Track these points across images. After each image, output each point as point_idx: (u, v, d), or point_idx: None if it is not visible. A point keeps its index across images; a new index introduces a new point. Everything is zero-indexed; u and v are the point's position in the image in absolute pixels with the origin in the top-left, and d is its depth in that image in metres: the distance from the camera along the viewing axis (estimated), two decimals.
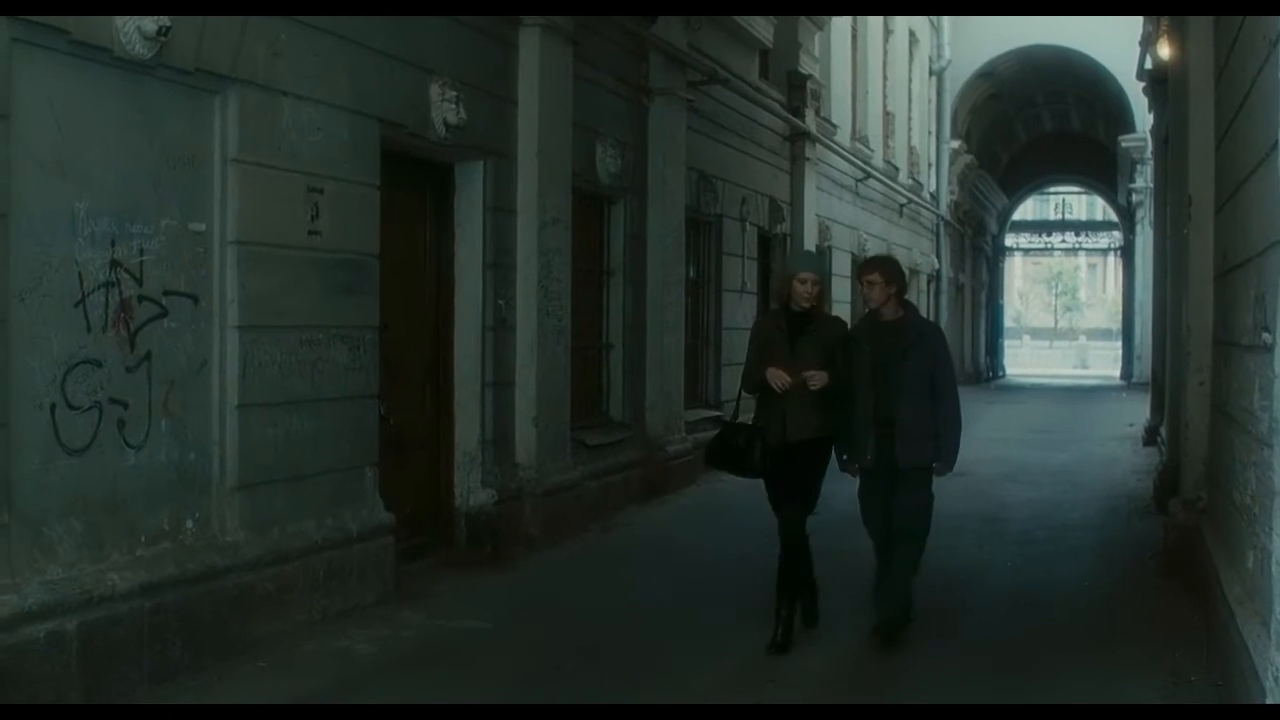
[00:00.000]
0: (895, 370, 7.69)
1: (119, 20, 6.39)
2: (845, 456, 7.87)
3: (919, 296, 32.51)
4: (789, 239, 19.80)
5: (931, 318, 34.41)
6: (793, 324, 7.88)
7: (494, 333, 10.26)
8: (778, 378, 7.62)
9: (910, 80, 30.90)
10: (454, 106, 9.30)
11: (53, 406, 6.16)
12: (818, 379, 7.59)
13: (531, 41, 10.62)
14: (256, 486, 7.45)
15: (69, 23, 6.12)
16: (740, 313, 16.77)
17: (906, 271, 26.03)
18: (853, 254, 25.08)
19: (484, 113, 9.93)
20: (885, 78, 28.24)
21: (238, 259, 7.26)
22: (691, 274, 15.47)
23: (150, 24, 6.45)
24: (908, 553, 7.89)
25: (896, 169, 28.96)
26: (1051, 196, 54.13)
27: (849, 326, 8.46)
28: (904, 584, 7.85)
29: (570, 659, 7.34)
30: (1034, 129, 44.10)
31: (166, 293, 6.86)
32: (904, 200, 29.61)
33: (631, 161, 13.16)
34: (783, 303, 8.04)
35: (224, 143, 7.23)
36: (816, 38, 21.45)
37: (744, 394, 8.29)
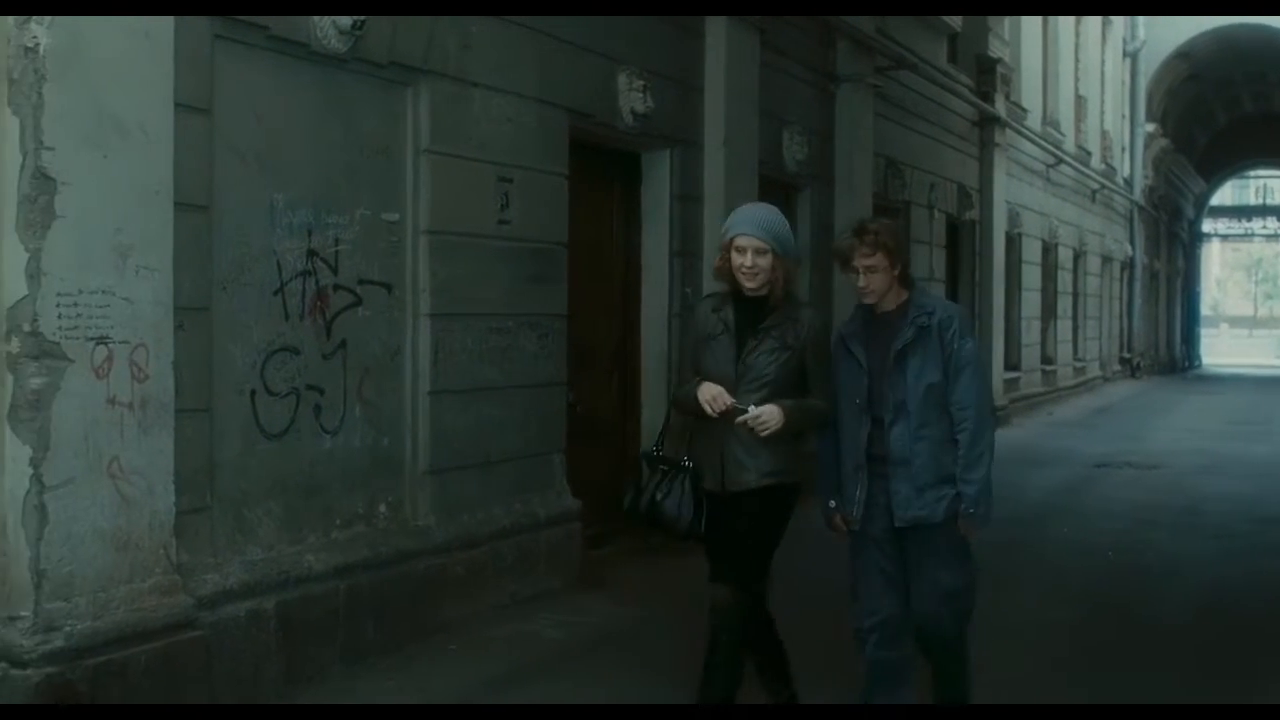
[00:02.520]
0: (895, 382, 5.38)
1: (314, 15, 6.54)
2: (831, 504, 5.57)
3: (1111, 284, 31.80)
4: (978, 226, 19.51)
5: (1123, 306, 33.68)
6: (743, 316, 5.55)
7: (680, 320, 10.28)
8: (712, 400, 5.41)
9: (1103, 62, 30.21)
10: (641, 95, 9.32)
11: (253, 392, 6.34)
12: (768, 418, 5.36)
13: (718, 29, 10.59)
14: (447, 472, 7.57)
15: (268, 18, 6.28)
16: None
17: (1074, 254, 23.91)
18: (1043, 241, 24.63)
19: (670, 101, 9.94)
20: (1077, 60, 27.64)
21: (429, 248, 7.38)
22: None
23: (345, 18, 6.59)
24: (943, 674, 5.62)
25: (1089, 154, 28.33)
26: (1252, 181, 52.54)
27: (828, 320, 5.81)
28: None
29: None
30: (1233, 111, 42.74)
31: (361, 281, 7.01)
32: (1096, 186, 28.97)
33: (818, 148, 13.07)
34: (730, 284, 5.60)
35: (416, 134, 7.36)
36: (1006, 21, 21.08)
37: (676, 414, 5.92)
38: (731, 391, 5.43)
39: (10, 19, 5.11)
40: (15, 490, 5.13)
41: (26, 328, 5.09)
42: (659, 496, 5.55)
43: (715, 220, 10.67)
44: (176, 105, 5.70)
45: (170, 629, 5.62)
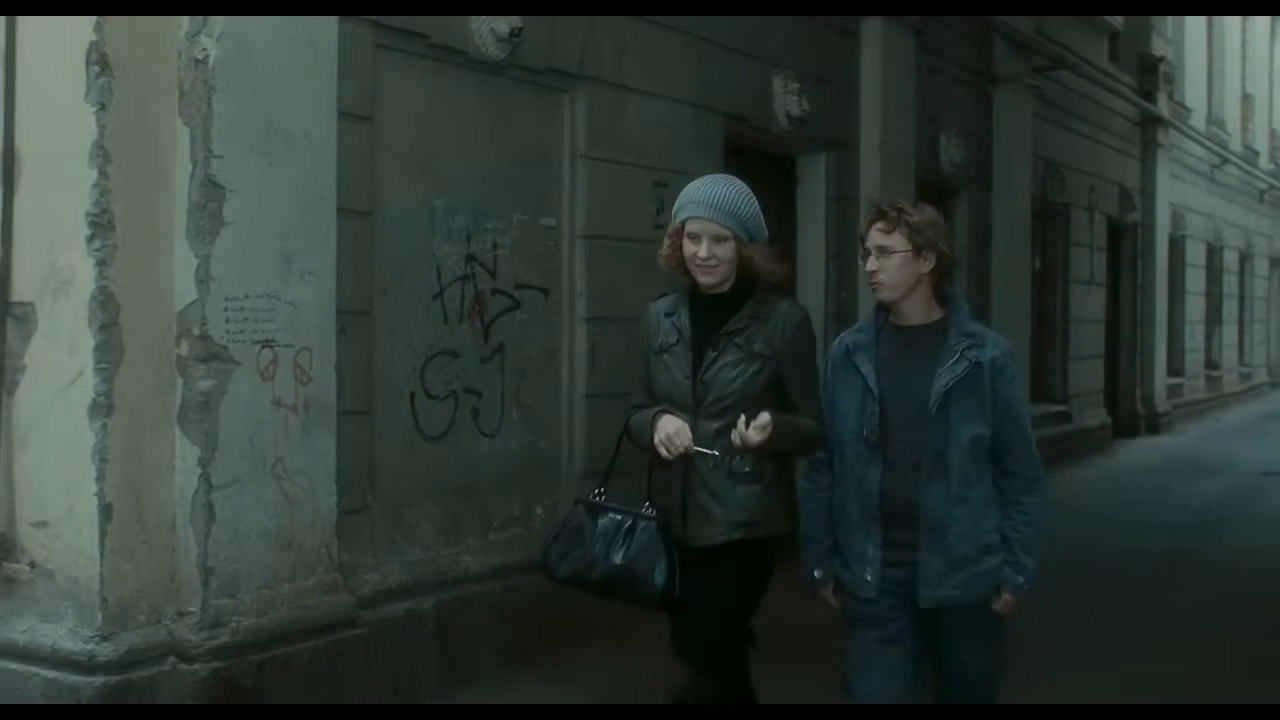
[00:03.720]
0: (936, 430, 4.22)
1: (474, 23, 6.62)
2: (817, 574, 4.42)
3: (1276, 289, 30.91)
4: (1140, 228, 19.11)
5: None
6: (702, 319, 4.47)
7: (837, 324, 10.21)
8: (668, 441, 4.30)
9: (1271, 59, 29.40)
10: (796, 98, 9.29)
11: (412, 395, 6.44)
12: (756, 432, 4.22)
13: (873, 30, 10.52)
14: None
15: (428, 27, 6.38)
16: (1088, 305, 16.28)
17: (1240, 257, 22.92)
18: (1208, 244, 24.05)
19: (826, 104, 9.89)
20: (1243, 57, 26.95)
21: (586, 253, 7.43)
22: (1037, 265, 15.09)
23: (503, 25, 6.67)
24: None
25: (1256, 153, 27.59)
26: None
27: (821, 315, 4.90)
28: None
29: None
30: None
31: (518, 286, 7.08)
32: (1265, 186, 28.19)
33: (975, 150, 12.91)
34: (687, 279, 4.52)
35: (573, 139, 7.41)
36: (1170, 19, 20.62)
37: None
38: (691, 416, 4.36)
39: (181, 33, 5.25)
40: (184, 489, 5.26)
41: (196, 331, 5.22)
42: (616, 556, 4.40)
43: None
44: (339, 113, 5.81)
45: (332, 627, 5.72)
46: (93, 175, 5.02)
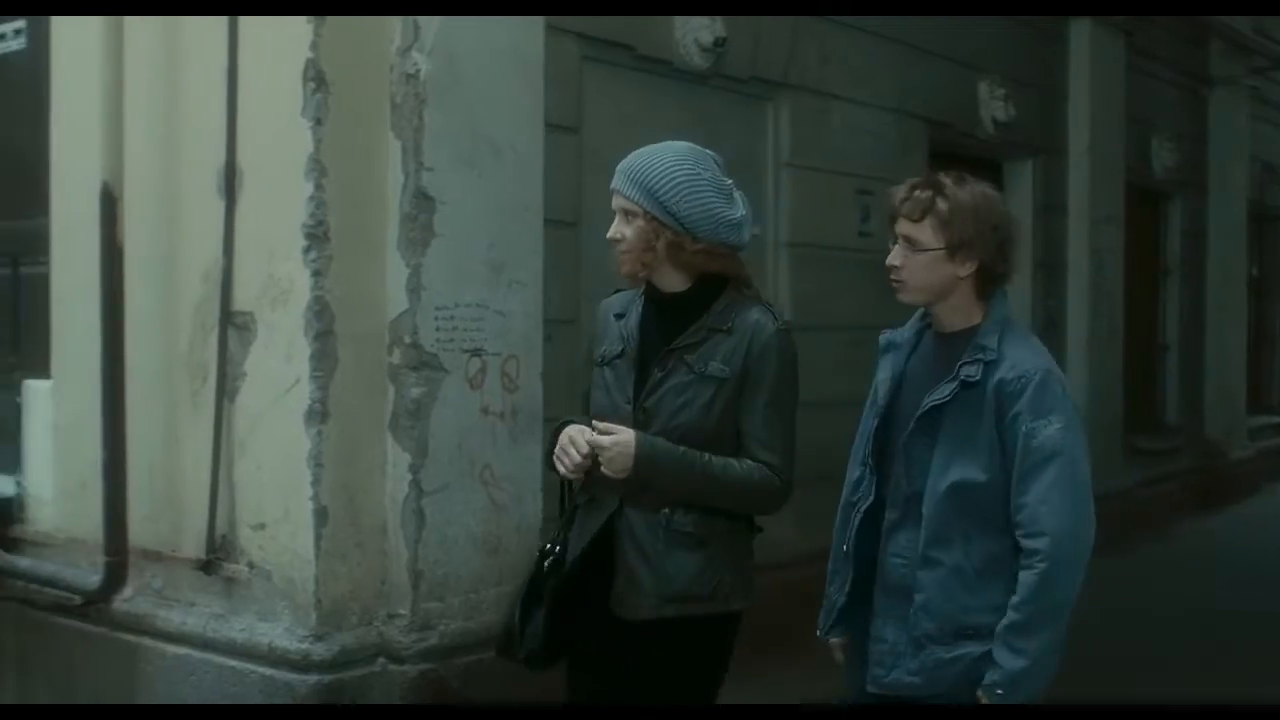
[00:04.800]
0: (911, 460, 3.38)
1: (678, 33, 6.67)
2: (819, 632, 3.72)
3: None
4: None
5: None
6: (654, 325, 3.55)
7: (1043, 333, 10.02)
8: (563, 452, 3.42)
9: None
10: (1002, 104, 9.15)
11: None
12: (609, 453, 3.35)
13: (1082, 33, 10.31)
14: (803, 484, 7.55)
15: (633, 38, 6.44)
16: None
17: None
18: None
19: (1032, 108, 9.72)
20: None
21: (790, 261, 7.41)
22: (1254, 271, 14.64)
23: (707, 35, 6.70)
24: None
25: None
26: None
27: (782, 338, 3.48)
28: None
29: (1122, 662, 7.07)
30: None
31: None
32: None
33: (1188, 154, 12.55)
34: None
35: (776, 147, 7.41)
36: None
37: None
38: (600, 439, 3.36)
39: (393, 48, 5.37)
40: (396, 495, 5.38)
41: (407, 340, 5.34)
42: (526, 625, 3.50)
43: (1079, 230, 10.41)
44: (546, 125, 5.88)
45: None
46: (309, 188, 5.16)
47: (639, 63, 6.55)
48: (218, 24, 5.35)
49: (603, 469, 3.35)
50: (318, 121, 5.17)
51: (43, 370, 6.16)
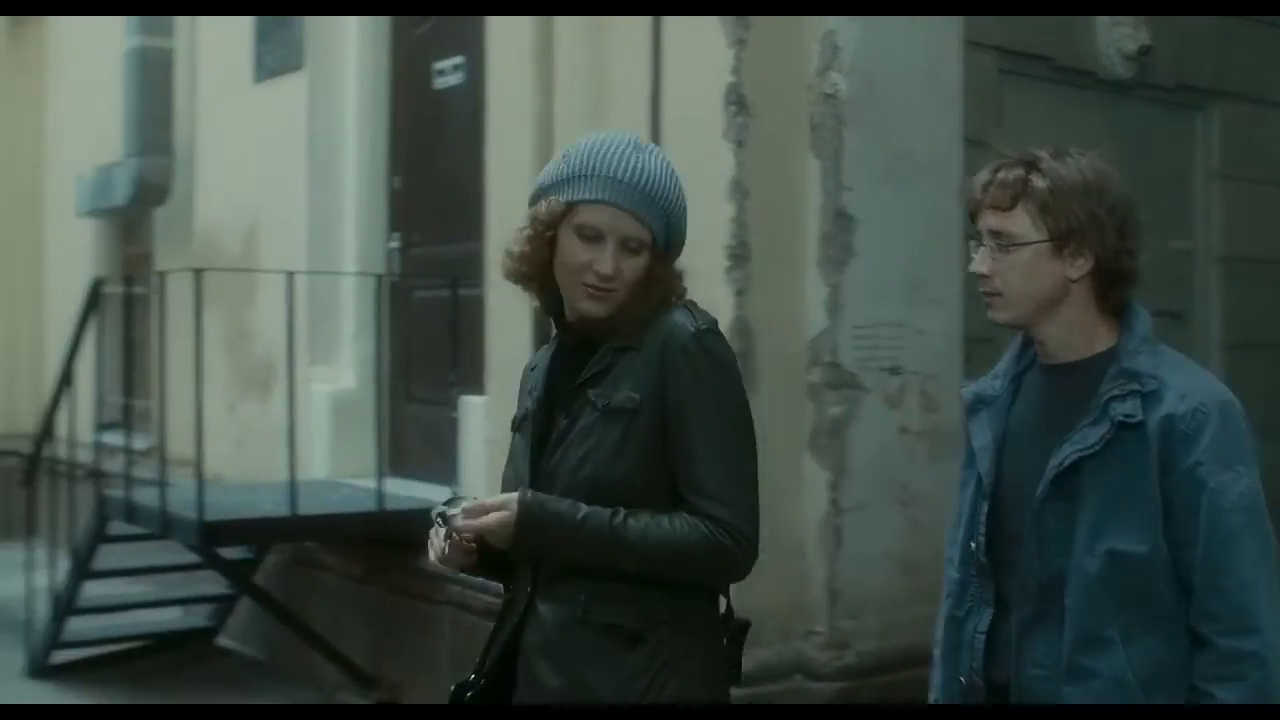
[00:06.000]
0: (1046, 533, 2.50)
1: (1100, 43, 6.49)
2: None
3: None
4: None
5: None
6: (562, 363, 2.74)
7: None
8: (434, 537, 2.63)
9: None
10: None
11: None
12: (480, 522, 2.54)
13: None
14: None
15: (1053, 50, 6.31)
16: None
17: None
18: None
19: None
20: None
21: (1222, 275, 7.09)
22: None
23: (1131, 44, 6.50)
24: None
25: None
26: None
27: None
28: None
29: None
30: None
31: (1155, 313, 6.82)
32: None
33: None
34: (545, 302, 2.73)
35: (1206, 157, 7.09)
36: None
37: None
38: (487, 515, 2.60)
39: (811, 69, 5.42)
40: (813, 513, 5.41)
41: (827, 358, 5.36)
42: None
43: None
44: (965, 140, 5.80)
45: None
46: (731, 209, 5.26)
47: (1059, 74, 6.39)
48: (641, 52, 5.53)
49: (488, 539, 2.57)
50: (739, 144, 5.27)
51: (478, 386, 6.47)
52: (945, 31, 5.70)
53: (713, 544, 2.52)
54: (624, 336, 2.60)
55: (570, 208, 2.59)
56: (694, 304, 2.68)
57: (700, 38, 5.37)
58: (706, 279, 5.27)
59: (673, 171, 2.67)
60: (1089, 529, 2.43)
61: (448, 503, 2.63)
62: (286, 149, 7.91)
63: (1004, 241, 2.52)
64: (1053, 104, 6.42)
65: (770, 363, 5.31)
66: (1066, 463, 2.46)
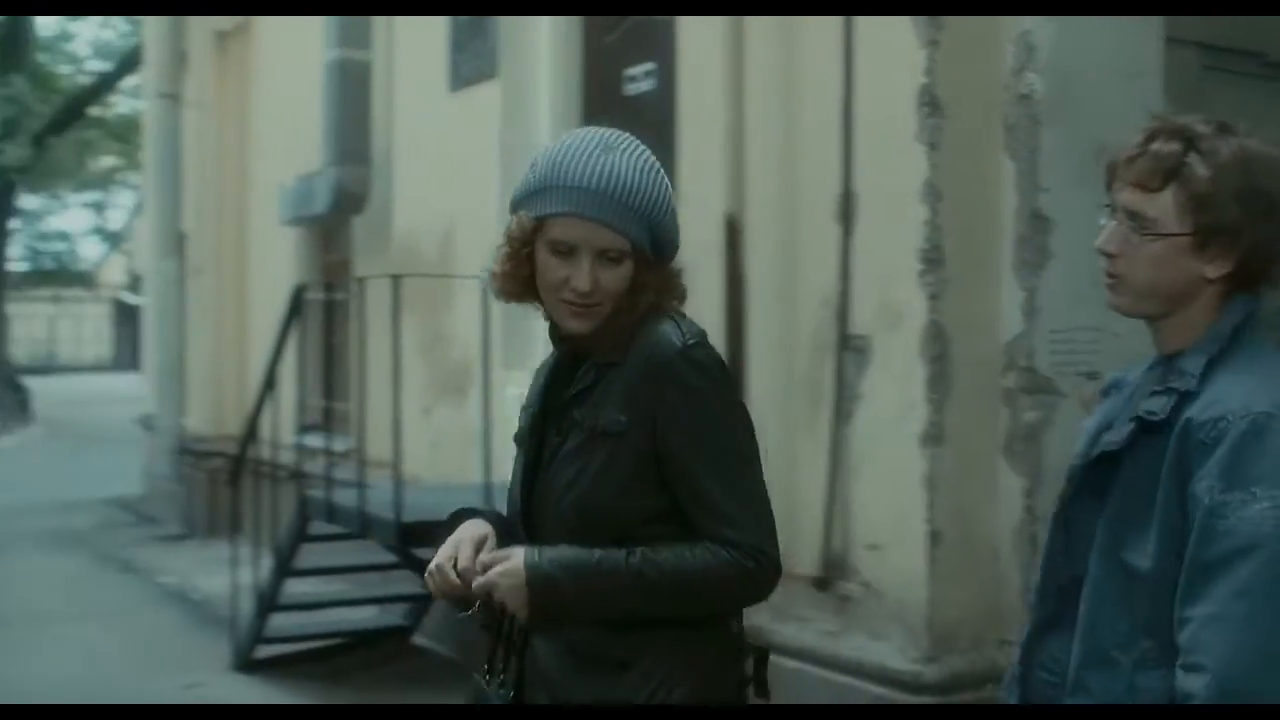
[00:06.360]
0: (1069, 533, 2.35)
1: None
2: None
3: None
4: None
5: None
6: (558, 376, 2.59)
7: None
8: (434, 570, 2.49)
9: None
10: None
11: None
12: (494, 588, 2.42)
13: None
14: None
15: (1262, 44, 6.13)
16: None
17: None
18: None
19: None
20: None
21: None
22: None
23: None
24: None
25: None
26: None
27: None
28: None
29: None
30: None
31: None
32: None
33: None
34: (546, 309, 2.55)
35: None
36: None
37: None
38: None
39: (1006, 69, 5.34)
40: (1008, 519, 5.32)
41: (1022, 363, 5.28)
42: None
43: None
44: None
45: None
46: (924, 212, 5.21)
47: (1268, 70, 6.21)
48: (833, 53, 5.51)
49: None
50: (932, 146, 5.22)
51: None
52: (1144, 29, 5.56)
53: (737, 569, 2.38)
54: (607, 352, 2.45)
55: (540, 223, 2.43)
56: (682, 314, 2.51)
57: (892, 38, 5.33)
58: (899, 283, 5.28)
59: (650, 168, 2.46)
60: (1106, 533, 2.23)
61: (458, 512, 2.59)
62: (481, 155, 8.04)
63: (1140, 225, 2.23)
64: (1261, 100, 6.23)
65: (964, 368, 5.25)
66: (1094, 455, 2.28)
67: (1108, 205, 2.31)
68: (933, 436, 5.19)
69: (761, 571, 2.41)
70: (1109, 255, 2.28)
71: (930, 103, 5.22)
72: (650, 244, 2.45)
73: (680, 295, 2.53)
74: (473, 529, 2.52)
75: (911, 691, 5.20)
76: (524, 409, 2.63)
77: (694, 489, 2.39)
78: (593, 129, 2.53)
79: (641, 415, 2.38)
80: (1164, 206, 2.20)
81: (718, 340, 5.83)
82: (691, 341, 2.42)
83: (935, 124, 5.22)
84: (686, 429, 2.38)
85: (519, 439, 2.61)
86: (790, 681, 5.62)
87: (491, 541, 2.50)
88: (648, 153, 2.49)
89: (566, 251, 2.41)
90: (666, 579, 2.36)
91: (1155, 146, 2.23)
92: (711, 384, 2.41)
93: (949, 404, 5.22)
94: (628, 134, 2.52)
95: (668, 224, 2.48)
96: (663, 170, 2.50)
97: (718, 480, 2.39)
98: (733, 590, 2.42)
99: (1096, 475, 2.27)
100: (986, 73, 5.35)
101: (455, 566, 2.45)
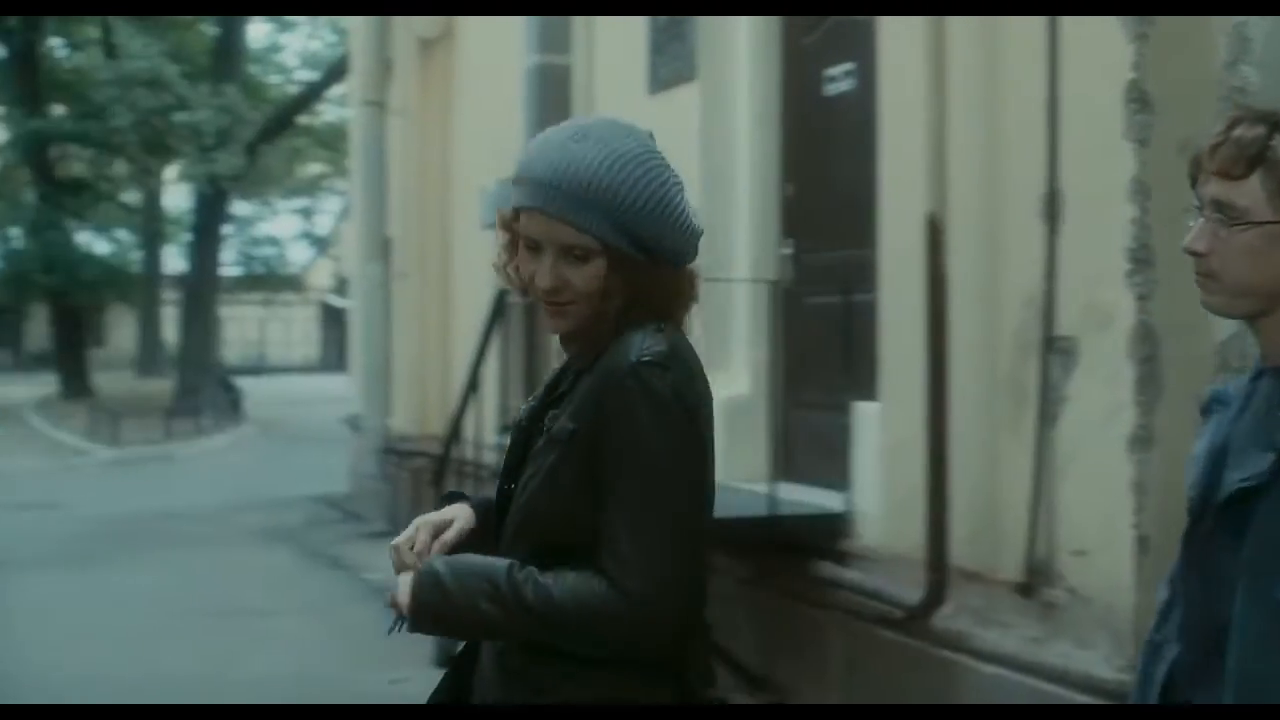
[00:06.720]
0: (1209, 572, 2.15)
1: None
2: None
3: None
4: None
5: None
6: (551, 383, 2.54)
7: None
8: (394, 553, 2.49)
9: None
10: None
11: None
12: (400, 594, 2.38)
13: None
14: None
15: None
16: None
17: None
18: None
19: None
20: None
21: None
22: None
23: None
24: None
25: None
26: None
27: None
28: None
29: None
30: None
31: None
32: None
33: None
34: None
35: None
36: None
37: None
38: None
39: (1219, 61, 5.19)
40: None
41: (1236, 364, 5.06)
42: None
43: None
44: None
45: None
46: (1132, 211, 5.09)
47: None
48: (1037, 51, 5.42)
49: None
50: (1141, 142, 5.10)
51: (870, 393, 6.47)
52: None
53: (605, 607, 2.20)
54: (581, 357, 2.38)
55: (517, 216, 2.37)
56: (666, 326, 2.33)
57: (1099, 34, 5.22)
58: (1106, 283, 5.17)
59: (627, 159, 2.32)
60: (1252, 575, 2.00)
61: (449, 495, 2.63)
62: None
63: (1229, 216, 2.10)
64: None
65: (1175, 369, 5.11)
66: (1231, 491, 2.07)
67: (1196, 206, 2.18)
68: (1142, 440, 5.07)
69: (632, 616, 2.20)
70: (1199, 254, 2.15)
71: (1139, 98, 5.10)
72: (631, 243, 2.31)
73: (680, 303, 2.39)
74: (441, 514, 2.53)
75: (1116, 700, 5.09)
76: (526, 403, 2.59)
77: (604, 512, 2.24)
78: (592, 116, 2.40)
79: (591, 425, 2.26)
80: (1251, 193, 2.08)
81: (916, 340, 5.82)
82: (646, 359, 2.26)
83: (1144, 120, 5.10)
84: (614, 449, 2.24)
85: (509, 430, 2.59)
86: (989, 688, 5.56)
87: (458, 527, 2.49)
88: (635, 143, 2.36)
89: (533, 247, 2.33)
90: (539, 601, 2.22)
91: (1238, 133, 2.10)
92: (652, 407, 2.24)
93: (1159, 406, 5.09)
94: (627, 122, 2.41)
95: (647, 222, 2.32)
96: (654, 163, 2.38)
97: (624, 510, 2.23)
98: (593, 628, 2.22)
99: (1233, 512, 2.08)
100: (1197, 66, 5.20)
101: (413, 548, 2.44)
